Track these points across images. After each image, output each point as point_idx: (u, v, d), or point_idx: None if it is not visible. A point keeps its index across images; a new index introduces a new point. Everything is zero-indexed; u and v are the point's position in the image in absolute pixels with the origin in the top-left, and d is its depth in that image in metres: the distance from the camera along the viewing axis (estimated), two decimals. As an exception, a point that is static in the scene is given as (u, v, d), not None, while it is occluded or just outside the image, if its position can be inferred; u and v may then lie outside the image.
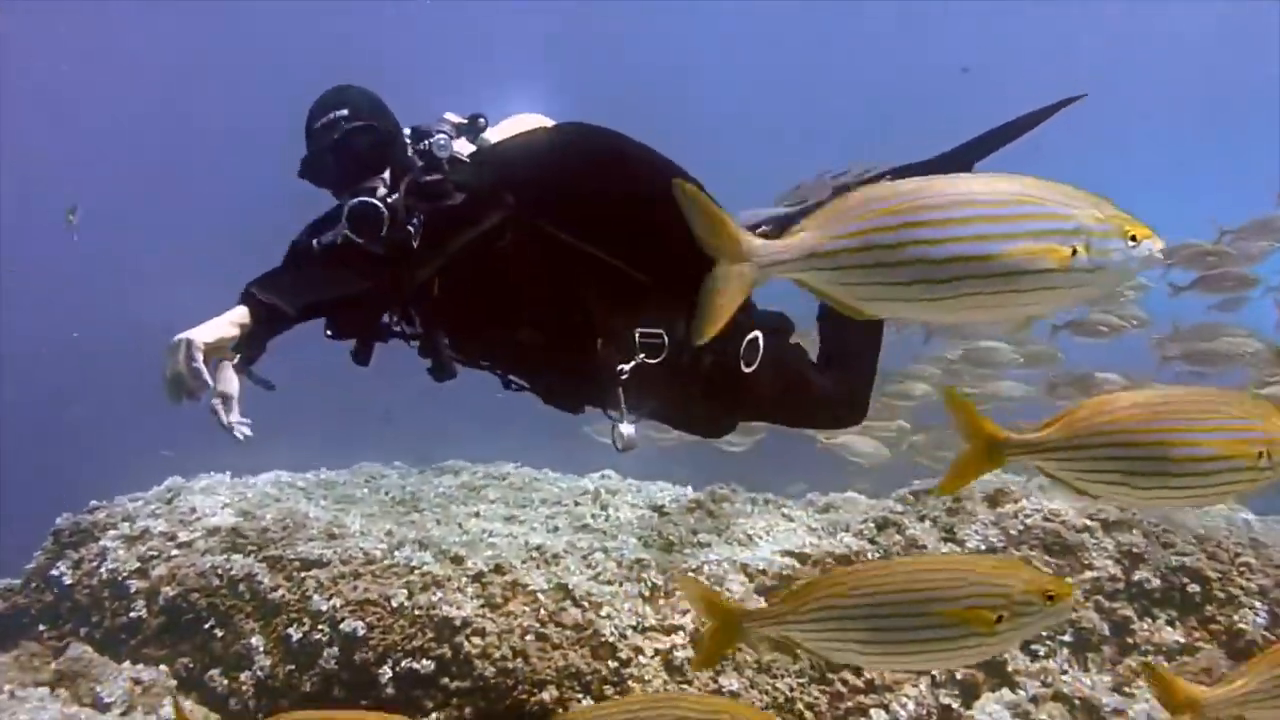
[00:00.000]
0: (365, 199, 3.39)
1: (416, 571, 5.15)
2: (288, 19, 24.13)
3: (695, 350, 3.73)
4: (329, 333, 3.62)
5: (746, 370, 3.85)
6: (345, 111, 3.49)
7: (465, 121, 3.70)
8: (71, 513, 5.83)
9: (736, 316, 3.87)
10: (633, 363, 3.71)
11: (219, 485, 6.09)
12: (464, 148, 3.64)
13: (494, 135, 3.75)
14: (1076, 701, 4.55)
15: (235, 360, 3.46)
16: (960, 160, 4.33)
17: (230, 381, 3.33)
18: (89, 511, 5.82)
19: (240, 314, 3.12)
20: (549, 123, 3.91)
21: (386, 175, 3.49)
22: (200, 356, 2.95)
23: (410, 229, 3.40)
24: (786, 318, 4.17)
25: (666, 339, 3.73)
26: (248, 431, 3.19)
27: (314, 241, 3.49)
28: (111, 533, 5.42)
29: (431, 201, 3.46)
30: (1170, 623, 4.89)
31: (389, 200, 3.41)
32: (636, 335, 3.72)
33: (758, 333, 3.87)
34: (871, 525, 5.66)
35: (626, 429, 3.78)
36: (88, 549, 5.54)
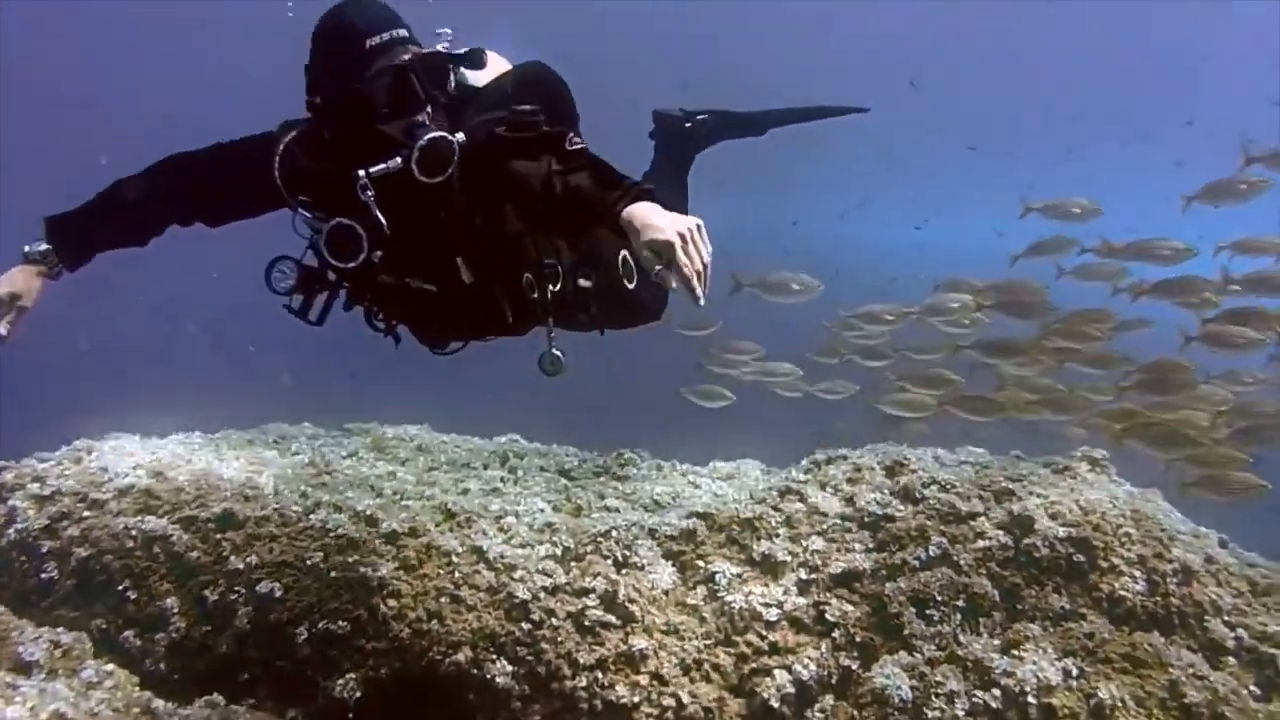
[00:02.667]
0: (443, 134, 3.47)
1: (332, 534, 5.21)
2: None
3: (584, 274, 4.05)
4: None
5: (630, 286, 4.10)
6: (405, 32, 3.52)
7: (462, 54, 3.71)
8: (-23, 473, 5.72)
9: (611, 240, 4.09)
10: (550, 289, 3.89)
11: (129, 445, 6.04)
12: None
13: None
14: (969, 663, 4.77)
15: (57, 271, 3.50)
16: (760, 122, 5.40)
17: (32, 292, 3.41)
18: (-5, 471, 5.73)
19: None
20: (505, 62, 4.02)
21: (429, 108, 3.55)
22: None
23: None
24: None
25: (560, 268, 3.90)
26: (3, 333, 3.32)
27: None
28: (20, 493, 5.36)
29: (527, 133, 3.56)
30: (1056, 590, 5.13)
31: (457, 138, 3.50)
32: (544, 264, 3.88)
33: (625, 251, 4.07)
34: (775, 493, 5.83)
35: (558, 353, 3.97)
36: (-5, 509, 5.46)
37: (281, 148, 3.64)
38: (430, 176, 3.47)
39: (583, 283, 4.14)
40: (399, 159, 3.45)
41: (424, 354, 4.26)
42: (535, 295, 3.91)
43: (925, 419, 8.51)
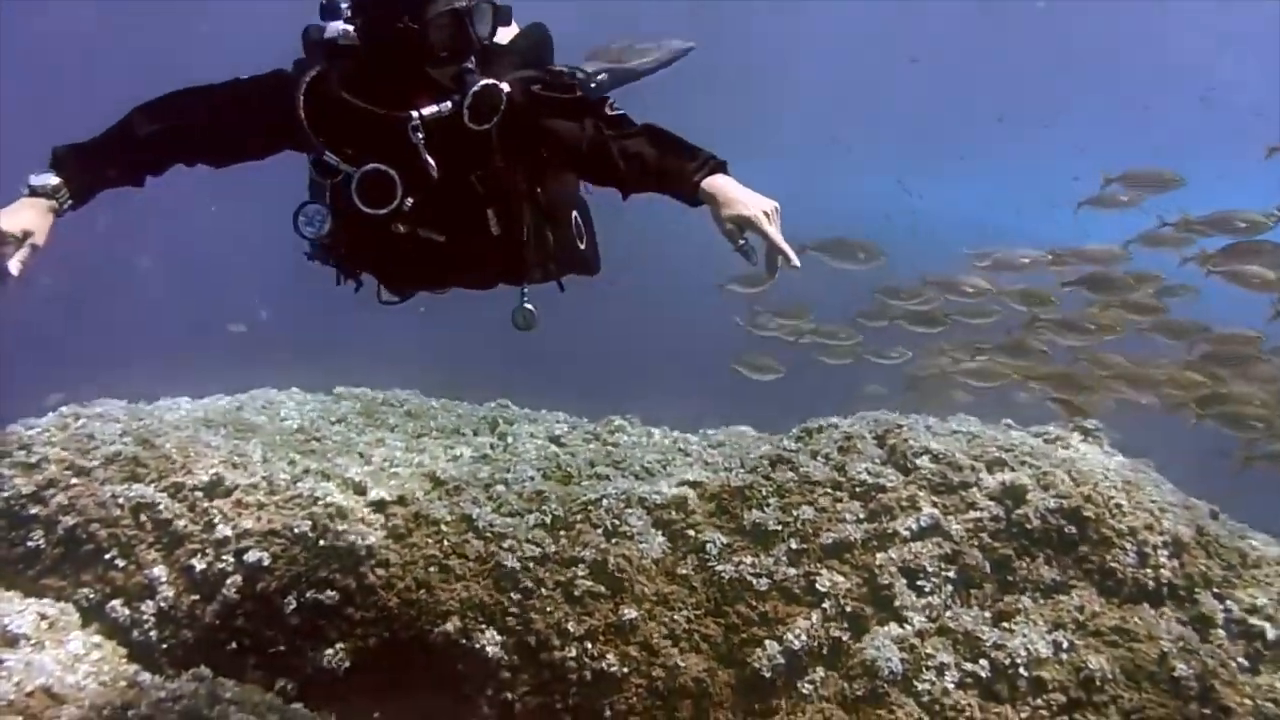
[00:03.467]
0: (494, 83, 3.50)
1: (320, 502, 5.18)
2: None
3: (539, 230, 4.01)
4: None
5: (581, 246, 4.27)
6: None
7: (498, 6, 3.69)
8: (-38, 440, 5.65)
9: (558, 203, 4.12)
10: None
11: (116, 412, 5.98)
12: None
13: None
14: (960, 635, 4.77)
15: (66, 206, 3.38)
16: (639, 72, 5.41)
17: (44, 228, 3.25)
18: (-19, 439, 5.66)
19: None
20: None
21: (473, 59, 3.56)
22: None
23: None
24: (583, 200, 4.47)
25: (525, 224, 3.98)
26: (14, 273, 3.12)
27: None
28: (6, 460, 5.30)
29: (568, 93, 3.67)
30: (1048, 561, 5.12)
31: (500, 87, 3.51)
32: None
33: (574, 213, 4.25)
34: (766, 462, 5.79)
35: (530, 307, 4.05)
36: (-20, 477, 5.40)
37: (305, 86, 3.59)
38: (479, 124, 3.49)
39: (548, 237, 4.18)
40: (449, 103, 3.45)
41: (419, 318, 4.29)
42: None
43: (982, 389, 8.54)
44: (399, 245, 3.76)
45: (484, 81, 3.47)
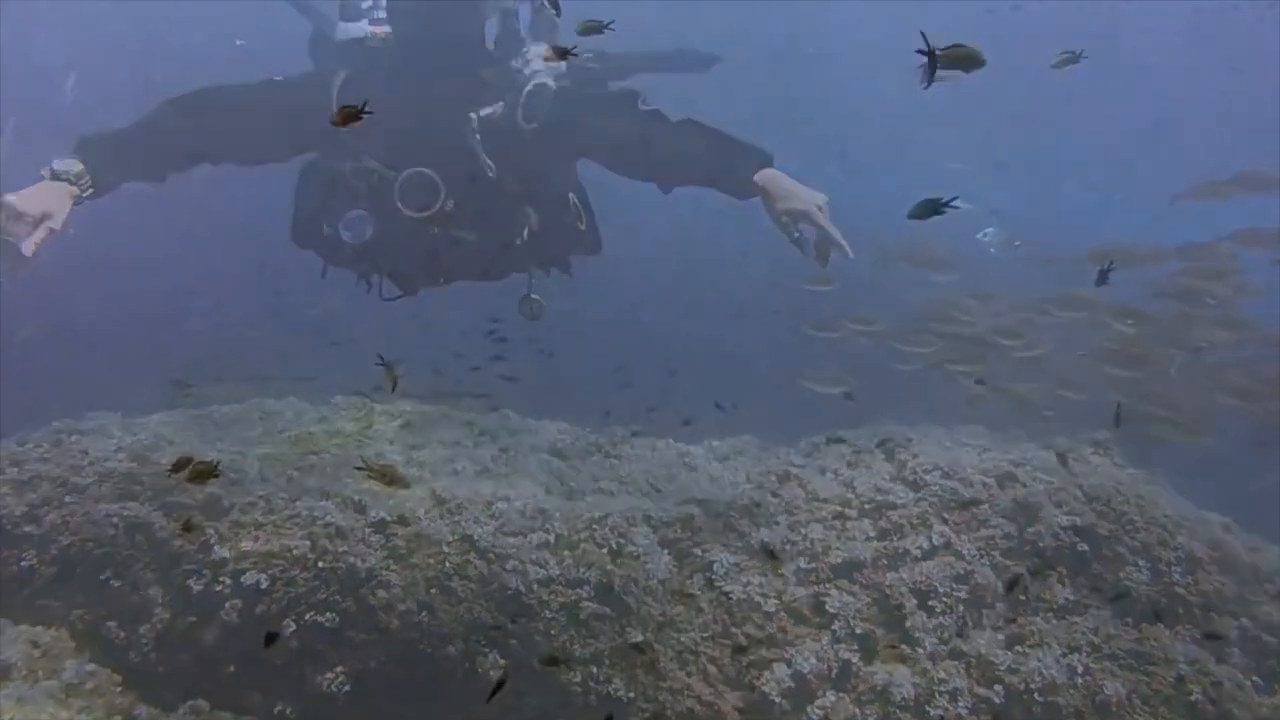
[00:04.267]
0: (545, 82, 3.63)
1: (319, 522, 5.07)
2: None
3: (541, 220, 4.05)
4: None
5: (582, 228, 4.28)
6: None
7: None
8: (-47, 457, 5.53)
9: (558, 189, 4.13)
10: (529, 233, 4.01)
11: (110, 426, 5.87)
12: None
13: None
14: (973, 659, 4.69)
15: (87, 194, 3.32)
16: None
17: (62, 212, 3.20)
18: (-28, 456, 5.55)
19: None
20: None
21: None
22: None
23: None
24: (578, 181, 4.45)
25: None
26: (26, 254, 3.07)
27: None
28: (-2, 478, 5.21)
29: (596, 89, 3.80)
30: (1061, 580, 5.05)
31: (549, 84, 3.64)
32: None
33: (571, 194, 4.23)
34: (773, 478, 5.71)
35: (537, 296, 4.06)
36: (-28, 495, 5.30)
37: (338, 87, 3.56)
38: (530, 123, 3.59)
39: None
40: (502, 103, 3.47)
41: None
42: (519, 241, 3.94)
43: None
44: (429, 245, 3.74)
45: (536, 80, 3.56)
